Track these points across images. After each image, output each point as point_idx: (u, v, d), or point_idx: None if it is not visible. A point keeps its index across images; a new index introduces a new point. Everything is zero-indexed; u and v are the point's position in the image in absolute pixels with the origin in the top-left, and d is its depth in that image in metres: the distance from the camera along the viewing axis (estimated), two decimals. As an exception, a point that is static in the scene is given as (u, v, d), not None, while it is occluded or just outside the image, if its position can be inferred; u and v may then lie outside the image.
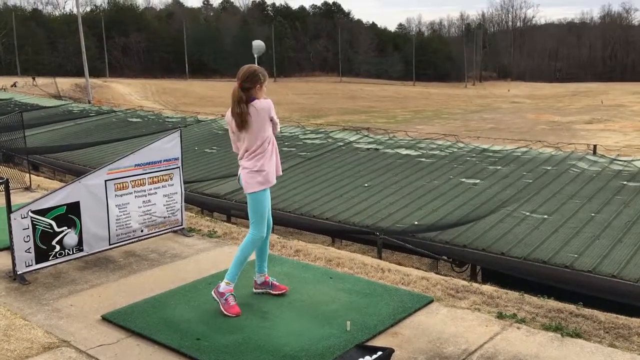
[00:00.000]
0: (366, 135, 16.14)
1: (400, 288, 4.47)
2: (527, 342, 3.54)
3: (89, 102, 30.21)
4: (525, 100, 70.32)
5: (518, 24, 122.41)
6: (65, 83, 52.12)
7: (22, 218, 4.79)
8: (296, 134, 17.59)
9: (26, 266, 4.87)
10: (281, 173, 4.41)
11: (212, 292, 4.19)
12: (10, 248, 4.84)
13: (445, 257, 8.91)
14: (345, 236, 10.24)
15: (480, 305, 4.11)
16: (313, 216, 9.99)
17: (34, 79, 55.70)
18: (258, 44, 5.97)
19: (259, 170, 4.09)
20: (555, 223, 8.92)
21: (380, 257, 8.14)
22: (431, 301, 4.20)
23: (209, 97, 63.07)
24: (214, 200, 10.91)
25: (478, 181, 11.34)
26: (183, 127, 18.86)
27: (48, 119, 21.61)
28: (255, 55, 5.60)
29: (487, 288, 4.60)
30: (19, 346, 3.72)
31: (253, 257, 4.35)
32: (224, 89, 72.27)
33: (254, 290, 4.47)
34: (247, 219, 4.27)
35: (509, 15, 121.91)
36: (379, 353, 3.35)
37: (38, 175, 11.06)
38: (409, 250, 8.75)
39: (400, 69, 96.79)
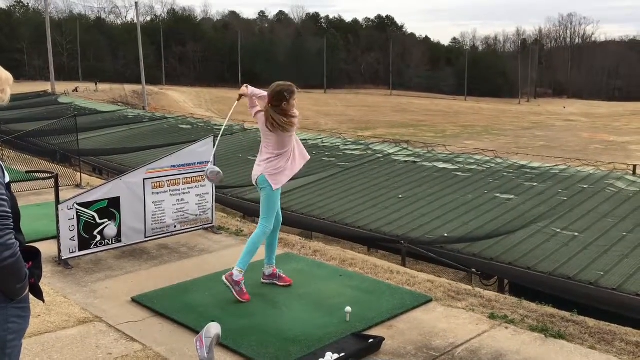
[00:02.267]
0: (405, 148, 16.40)
1: (404, 288, 4.79)
2: (512, 340, 3.80)
3: (144, 109, 31.52)
4: (580, 118, 68.53)
5: (577, 40, 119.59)
6: (124, 89, 54.29)
7: (68, 209, 5.36)
8: (337, 144, 18.00)
9: (70, 252, 5.44)
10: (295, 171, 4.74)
11: (224, 278, 4.57)
12: (57, 236, 5.40)
13: (475, 270, 9.09)
14: (373, 244, 10.54)
15: (476, 307, 4.37)
16: (346, 224, 10.35)
17: (96, 84, 58.29)
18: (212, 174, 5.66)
19: (282, 171, 4.53)
20: (585, 240, 8.97)
21: (404, 265, 8.39)
22: (430, 300, 4.50)
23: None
24: (251, 205, 11.40)
25: (512, 197, 11.43)
26: (229, 135, 19.63)
27: (104, 123, 22.81)
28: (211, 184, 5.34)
29: (488, 293, 4.86)
30: (58, 319, 4.25)
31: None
32: (275, 99, 73.37)
33: (262, 281, 4.90)
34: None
35: (567, 31, 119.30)
36: (370, 340, 3.69)
37: (90, 175, 11.86)
38: (433, 260, 8.98)
39: (452, 83, 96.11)
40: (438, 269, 10.22)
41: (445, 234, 9.52)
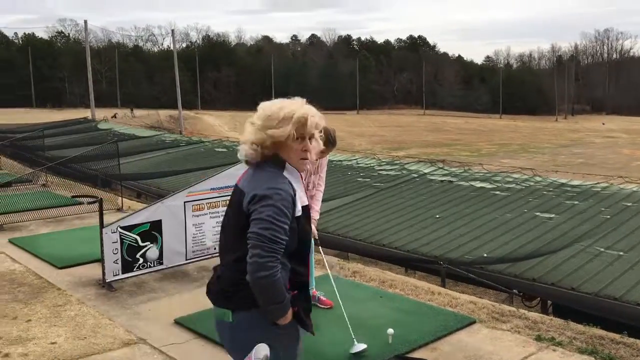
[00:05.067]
0: (441, 168, 16.27)
1: (446, 309, 4.71)
2: (560, 364, 3.70)
3: (181, 133, 32.14)
4: (620, 134, 66.90)
5: (614, 55, 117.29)
6: (160, 115, 55.48)
7: (112, 232, 5.48)
8: (371, 165, 17.99)
9: (113, 275, 5.54)
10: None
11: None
12: (100, 259, 5.52)
13: (516, 291, 8.90)
14: (411, 265, 10.43)
15: (522, 329, 4.28)
16: (383, 245, 10.29)
17: (132, 110, 59.75)
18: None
19: None
20: (630, 260, 8.72)
21: (443, 286, 8.27)
22: (474, 322, 4.42)
23: (293, 129, 64.64)
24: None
25: (553, 215, 11.21)
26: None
27: (142, 148, 23.32)
28: None
29: (533, 314, 4.75)
30: (103, 341, 4.32)
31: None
32: (308, 121, 73.82)
33: None
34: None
35: (604, 47, 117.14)
36: (414, 363, 3.64)
37: (130, 199, 12.10)
38: (473, 281, 8.83)
39: (486, 102, 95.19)
40: (478, 290, 10.03)
41: (485, 254, 9.37)
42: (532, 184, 13.98)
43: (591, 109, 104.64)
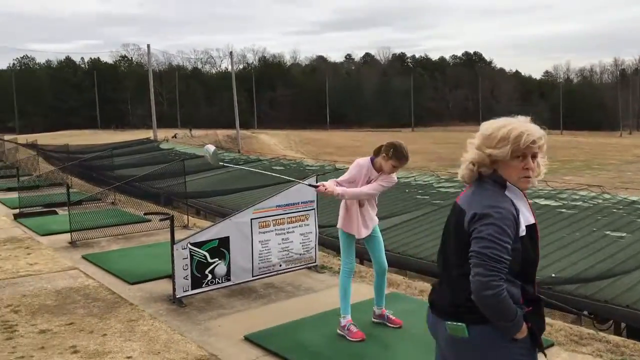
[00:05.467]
0: (503, 185, 15.87)
1: (521, 331, 4.54)
2: (650, 391, 3.49)
3: (239, 152, 32.73)
4: (691, 150, 63.61)
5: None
6: (218, 134, 56.76)
7: (182, 249, 5.59)
8: (430, 182, 17.76)
9: (183, 291, 5.64)
10: (356, 233, 4.75)
11: (337, 329, 4.69)
12: (171, 276, 5.64)
13: (587, 313, 8.54)
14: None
15: (604, 353, 4.07)
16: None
17: (190, 130, 61.45)
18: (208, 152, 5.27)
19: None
20: None
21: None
22: (552, 345, 4.25)
23: (348, 147, 64.99)
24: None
25: (624, 234, 10.73)
26: (321, 175, 19.89)
27: (202, 166, 23.84)
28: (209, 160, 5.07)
29: (614, 338, 4.52)
30: (177, 356, 4.39)
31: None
32: (363, 139, 74.03)
33: (372, 320, 4.92)
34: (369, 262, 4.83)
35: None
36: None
37: (193, 217, 12.37)
38: (548, 303, 8.51)
39: (545, 118, 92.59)
40: (545, 312, 9.65)
41: (553, 274, 9.04)
42: (600, 201, 13.44)
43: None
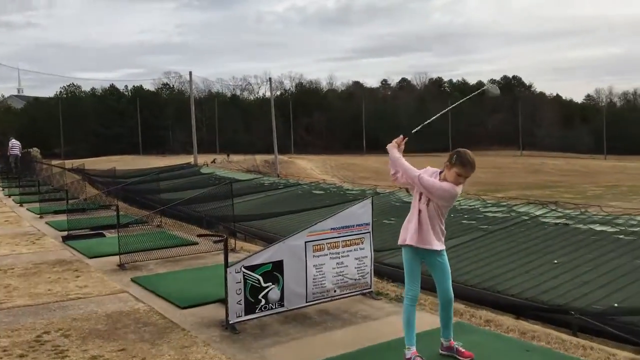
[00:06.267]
0: (554, 210, 15.29)
1: (606, 367, 4.18)
2: None
3: (277, 176, 32.78)
4: None
5: None
6: (257, 159, 57.15)
7: (236, 272, 5.40)
8: (476, 206, 17.26)
9: (236, 317, 5.43)
10: (426, 246, 4.40)
11: None
12: (225, 300, 5.44)
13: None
14: (532, 315, 9.68)
15: None
16: (497, 291, 9.64)
17: (228, 156, 62.12)
18: (492, 88, 5.78)
19: (404, 228, 4.45)
20: None
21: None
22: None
23: (384, 171, 64.51)
24: (392, 270, 11.04)
25: (689, 262, 10.11)
26: (362, 199, 19.62)
27: (242, 190, 23.88)
28: (488, 92, 5.46)
29: None
30: (234, 386, 4.16)
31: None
32: (400, 163, 73.42)
33: (440, 352, 4.58)
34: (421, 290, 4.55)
35: None
36: None
37: (239, 240, 12.24)
38: (610, 334, 8.00)
39: (588, 142, 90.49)
40: (604, 343, 9.15)
41: (615, 304, 8.52)
42: (660, 227, 12.78)
43: None
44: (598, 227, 13.02)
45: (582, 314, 8.17)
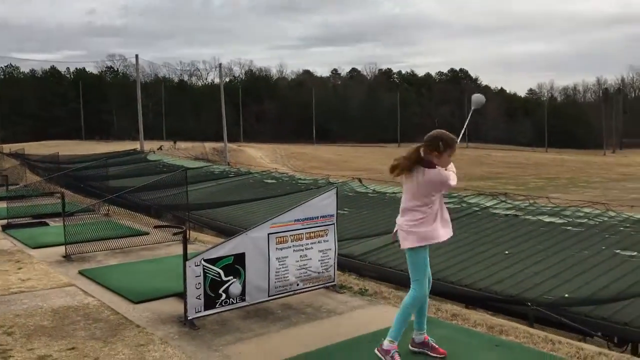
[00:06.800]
0: (504, 201, 15.55)
1: (577, 362, 4.15)
2: None
3: (229, 164, 32.25)
4: (674, 169, 64.47)
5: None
6: (205, 147, 56.20)
7: (195, 266, 5.11)
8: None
9: (195, 312, 5.15)
10: (447, 237, 4.29)
11: (376, 350, 4.19)
12: (183, 294, 5.15)
13: (600, 334, 8.18)
14: (487, 305, 9.77)
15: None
16: (451, 282, 9.67)
17: (174, 143, 60.83)
18: (478, 98, 5.66)
19: (410, 231, 4.08)
20: None
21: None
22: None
23: (334, 161, 64.80)
24: (347, 261, 10.94)
25: (635, 253, 10.43)
26: (315, 188, 19.46)
27: (192, 179, 23.28)
28: (473, 108, 5.43)
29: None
30: (196, 387, 3.91)
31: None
32: (349, 153, 73.88)
33: (410, 348, 4.39)
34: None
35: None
36: None
37: (190, 230, 11.84)
38: (564, 325, 8.14)
39: (530, 135, 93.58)
40: (557, 333, 9.33)
41: (566, 295, 8.69)
42: (605, 219, 13.16)
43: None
44: (547, 219, 13.29)
45: (537, 304, 8.28)
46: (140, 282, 6.46)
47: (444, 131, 4.12)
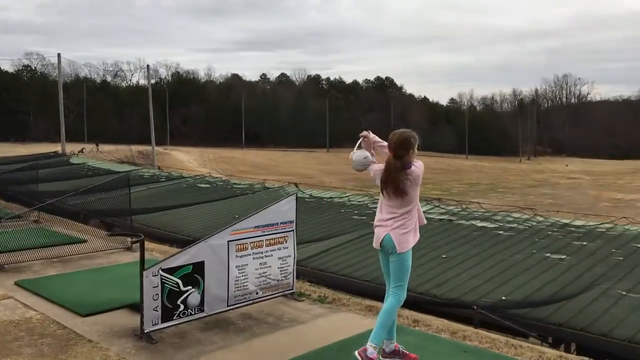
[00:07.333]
0: (437, 206, 15.96)
1: (543, 364, 4.28)
2: None
3: (158, 168, 31.32)
4: (583, 176, 68.76)
5: (572, 100, 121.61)
6: (130, 150, 54.34)
7: (153, 276, 4.87)
8: (364, 202, 17.58)
9: (153, 325, 4.91)
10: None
11: (356, 354, 4.10)
12: (140, 306, 4.89)
13: (535, 334, 8.53)
14: (429, 310, 9.94)
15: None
16: (390, 286, 9.78)
17: (97, 145, 58.46)
18: (358, 158, 5.17)
19: (409, 231, 4.10)
20: (656, 303, 8.47)
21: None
22: None
23: (264, 165, 64.47)
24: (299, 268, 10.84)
25: (564, 257, 10.94)
26: (251, 194, 19.21)
27: (120, 183, 22.36)
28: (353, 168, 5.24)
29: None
30: (165, 405, 3.71)
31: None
32: (279, 157, 73.70)
33: (381, 358, 4.35)
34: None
35: (563, 91, 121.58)
36: None
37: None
38: (507, 328, 8.41)
39: (451, 142, 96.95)
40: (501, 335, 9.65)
41: (503, 297, 9.00)
42: (534, 223, 13.78)
43: (552, 151, 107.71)
44: (479, 223, 13.73)
45: (481, 307, 8.51)
46: (86, 294, 6.09)
47: (403, 130, 4.23)
